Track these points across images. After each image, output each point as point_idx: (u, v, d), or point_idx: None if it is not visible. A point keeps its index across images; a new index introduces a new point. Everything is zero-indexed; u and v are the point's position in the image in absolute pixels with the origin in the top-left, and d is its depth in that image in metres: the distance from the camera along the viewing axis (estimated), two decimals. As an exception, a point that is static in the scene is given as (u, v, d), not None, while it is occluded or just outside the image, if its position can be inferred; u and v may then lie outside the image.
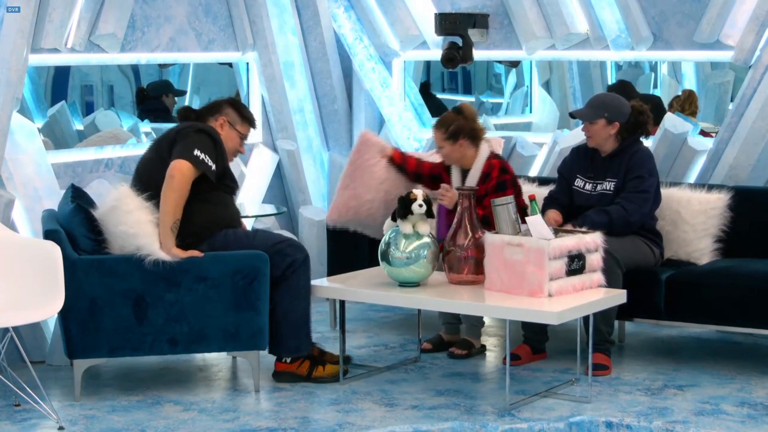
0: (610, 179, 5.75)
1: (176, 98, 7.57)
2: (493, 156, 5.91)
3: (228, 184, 5.41)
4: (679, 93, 7.42)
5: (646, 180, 5.69)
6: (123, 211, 5.08)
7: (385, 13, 7.57)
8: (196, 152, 5.17)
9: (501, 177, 5.82)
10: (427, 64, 8.27)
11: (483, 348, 6.02)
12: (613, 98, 5.84)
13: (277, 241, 5.34)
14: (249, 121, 5.53)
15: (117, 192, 5.13)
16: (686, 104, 7.30)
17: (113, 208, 5.11)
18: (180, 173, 5.12)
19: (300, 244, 5.40)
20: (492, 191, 5.77)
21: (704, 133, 6.94)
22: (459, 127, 5.84)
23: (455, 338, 6.01)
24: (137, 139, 6.93)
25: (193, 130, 5.25)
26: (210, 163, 5.21)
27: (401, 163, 6.24)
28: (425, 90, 8.18)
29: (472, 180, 5.87)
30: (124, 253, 5.12)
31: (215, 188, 5.29)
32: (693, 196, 5.99)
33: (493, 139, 6.85)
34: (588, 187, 5.80)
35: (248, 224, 7.01)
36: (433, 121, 6.06)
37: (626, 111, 5.76)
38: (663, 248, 5.88)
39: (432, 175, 6.11)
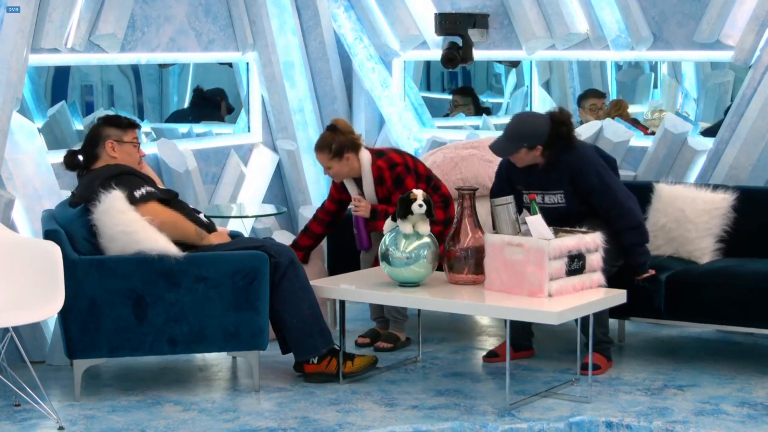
0: (556, 191, 5.60)
1: (227, 108, 7.71)
2: (375, 158, 5.96)
3: (175, 205, 5.36)
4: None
5: (603, 185, 5.49)
6: (117, 211, 5.07)
7: (385, 13, 7.57)
8: (135, 193, 5.14)
9: (393, 173, 5.90)
10: (427, 64, 8.27)
11: (408, 340, 6.08)
12: (528, 124, 5.55)
13: (257, 245, 5.34)
14: (130, 125, 5.39)
15: (108, 196, 5.09)
16: (612, 110, 7.36)
17: (105, 211, 5.09)
18: (152, 213, 5.12)
19: (282, 247, 5.37)
20: (393, 189, 5.89)
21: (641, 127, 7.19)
22: (341, 144, 5.90)
23: (386, 331, 6.14)
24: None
25: (113, 182, 5.17)
26: (146, 189, 5.19)
27: (310, 243, 6.23)
28: (470, 92, 8.25)
29: (369, 188, 5.97)
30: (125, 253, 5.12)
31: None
32: (698, 195, 5.98)
33: (485, 140, 6.85)
34: (537, 199, 5.60)
35: (248, 224, 7.02)
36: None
37: (544, 130, 5.49)
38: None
39: (337, 205, 6.17)
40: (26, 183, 5.83)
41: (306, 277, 5.35)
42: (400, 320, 6.08)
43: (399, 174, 5.91)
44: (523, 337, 5.81)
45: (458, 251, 5.29)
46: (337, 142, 5.90)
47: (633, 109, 7.73)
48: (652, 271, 5.59)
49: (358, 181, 6.03)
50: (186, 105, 7.65)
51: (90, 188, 5.17)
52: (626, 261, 5.57)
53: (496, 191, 5.82)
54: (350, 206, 6.05)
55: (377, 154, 6.00)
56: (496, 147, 5.61)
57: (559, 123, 5.53)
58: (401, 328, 6.10)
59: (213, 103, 7.73)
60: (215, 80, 7.76)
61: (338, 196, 6.17)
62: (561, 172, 5.56)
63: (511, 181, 5.76)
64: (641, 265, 5.57)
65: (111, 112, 6.79)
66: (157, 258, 5.07)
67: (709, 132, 6.92)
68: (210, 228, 5.44)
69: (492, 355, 5.80)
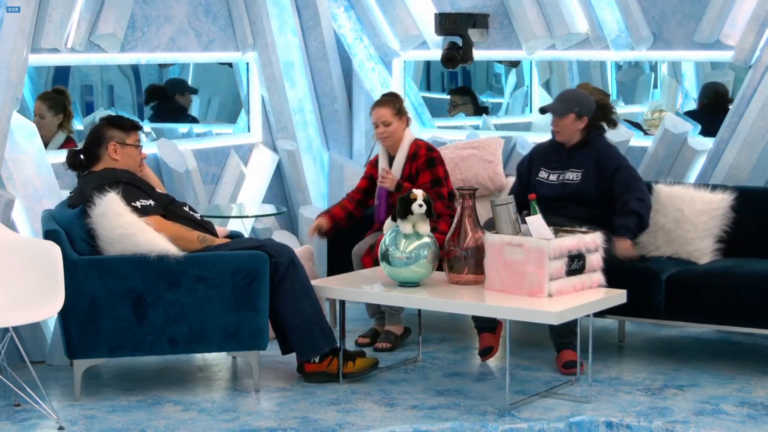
0: (575, 169, 5.87)
1: (192, 96, 7.63)
2: (416, 139, 6.26)
3: (172, 210, 5.37)
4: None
5: (629, 167, 5.86)
6: (114, 213, 5.07)
7: (385, 13, 7.57)
8: (134, 204, 5.15)
9: (429, 154, 6.17)
10: (427, 64, 8.26)
11: (407, 332, 6.10)
12: (582, 94, 5.97)
13: (257, 245, 5.34)
14: (134, 128, 5.41)
15: (103, 199, 5.09)
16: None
17: (102, 214, 5.09)
18: (154, 228, 5.13)
19: (283, 247, 5.37)
20: (423, 168, 6.12)
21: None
22: (401, 107, 6.26)
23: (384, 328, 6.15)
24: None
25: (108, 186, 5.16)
26: (147, 202, 5.21)
27: (341, 215, 6.34)
28: (468, 91, 8.28)
29: (399, 162, 6.19)
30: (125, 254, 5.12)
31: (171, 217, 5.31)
32: (697, 195, 5.99)
33: (493, 139, 6.87)
34: (552, 177, 5.93)
35: (248, 224, 7.02)
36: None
37: (593, 106, 5.90)
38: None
39: (368, 181, 6.36)
40: (26, 183, 5.83)
41: (307, 277, 5.34)
42: (395, 313, 6.09)
43: (434, 158, 6.16)
44: (487, 321, 5.81)
45: (458, 251, 5.29)
46: (400, 102, 6.26)
47: (633, 109, 7.73)
48: (635, 252, 5.70)
49: (391, 159, 6.23)
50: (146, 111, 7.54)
51: (85, 192, 5.17)
52: (618, 222, 5.72)
53: (515, 190, 6.03)
54: (380, 174, 6.17)
55: (419, 138, 6.31)
56: (549, 107, 5.94)
57: (604, 105, 5.95)
58: (397, 321, 6.10)
59: (172, 105, 7.62)
60: (215, 80, 7.75)
61: (369, 171, 6.36)
62: (588, 153, 5.86)
63: (532, 167, 6.00)
64: (628, 230, 5.68)
65: (112, 112, 6.80)
66: (157, 258, 5.07)
67: (711, 111, 6.92)
68: (207, 228, 5.44)
69: (486, 352, 5.81)
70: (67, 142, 6.40)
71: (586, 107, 5.88)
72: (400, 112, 6.21)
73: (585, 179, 5.83)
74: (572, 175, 5.87)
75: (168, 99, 7.50)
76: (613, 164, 5.82)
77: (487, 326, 5.80)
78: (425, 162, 6.12)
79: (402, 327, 6.12)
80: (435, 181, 6.08)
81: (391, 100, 6.25)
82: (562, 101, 5.92)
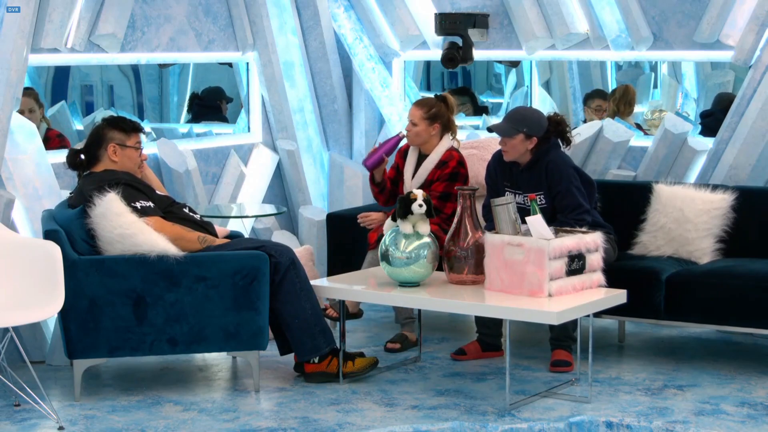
0: (537, 192, 5.67)
1: (228, 104, 7.74)
2: (454, 148, 6.13)
3: (172, 212, 5.39)
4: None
5: (571, 193, 5.60)
6: (114, 213, 5.07)
7: (385, 13, 7.57)
8: (134, 205, 5.16)
9: (457, 168, 6.05)
10: (427, 64, 8.26)
11: (416, 341, 6.05)
12: (532, 112, 5.76)
13: (257, 246, 5.33)
14: (134, 129, 5.42)
15: (103, 199, 5.09)
16: (621, 104, 7.31)
17: (102, 214, 5.09)
18: (154, 229, 5.15)
19: (283, 247, 5.37)
20: (444, 179, 6.02)
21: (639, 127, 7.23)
22: (439, 112, 6.10)
23: (414, 335, 6.09)
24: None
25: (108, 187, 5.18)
26: (146, 203, 5.23)
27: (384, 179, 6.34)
28: (467, 92, 8.28)
29: (429, 164, 6.09)
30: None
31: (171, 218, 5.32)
32: (697, 195, 5.99)
33: (493, 139, 6.87)
34: (519, 199, 5.69)
35: (248, 224, 7.02)
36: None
37: (544, 125, 5.66)
38: (615, 238, 5.84)
39: (394, 177, 6.30)
40: (26, 183, 5.83)
41: (306, 278, 5.35)
42: (409, 322, 6.09)
43: (461, 173, 6.06)
44: (491, 333, 5.82)
45: (458, 251, 5.29)
46: (437, 108, 6.09)
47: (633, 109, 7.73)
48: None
49: (421, 159, 6.15)
50: (184, 112, 7.65)
51: (85, 192, 5.17)
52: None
53: (491, 191, 5.89)
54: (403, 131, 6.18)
55: (457, 149, 6.15)
56: (496, 127, 5.70)
57: (558, 122, 5.71)
58: (411, 329, 6.09)
59: (213, 108, 7.74)
60: (215, 80, 7.75)
61: (397, 160, 6.30)
62: (539, 171, 5.65)
63: (497, 187, 5.84)
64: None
65: (112, 113, 6.80)
66: (157, 258, 5.08)
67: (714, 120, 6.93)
68: (207, 229, 5.44)
69: (459, 353, 5.84)
70: (49, 133, 6.41)
71: (536, 127, 5.62)
72: (433, 119, 6.04)
73: (548, 201, 5.64)
74: (539, 199, 5.64)
75: (207, 103, 7.69)
76: (556, 188, 5.60)
77: (486, 338, 5.85)
78: (450, 173, 6.01)
79: (415, 336, 6.07)
80: (444, 195, 6.01)
81: (427, 103, 6.11)
82: (510, 120, 5.65)
